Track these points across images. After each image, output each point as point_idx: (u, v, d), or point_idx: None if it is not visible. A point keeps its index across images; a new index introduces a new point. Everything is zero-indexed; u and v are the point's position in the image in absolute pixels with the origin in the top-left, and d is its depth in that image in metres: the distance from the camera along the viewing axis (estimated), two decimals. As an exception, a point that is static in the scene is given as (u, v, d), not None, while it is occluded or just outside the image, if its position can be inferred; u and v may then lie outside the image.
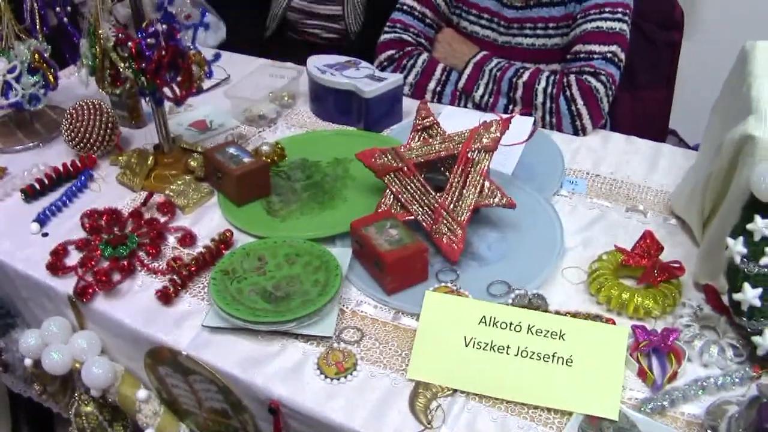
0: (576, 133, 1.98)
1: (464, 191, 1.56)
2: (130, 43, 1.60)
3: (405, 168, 1.60)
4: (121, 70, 1.62)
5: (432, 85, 2.10)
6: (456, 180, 1.57)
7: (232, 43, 2.63)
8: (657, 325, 1.42)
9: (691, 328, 1.41)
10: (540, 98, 1.97)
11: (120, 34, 1.62)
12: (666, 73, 2.63)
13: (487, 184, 1.56)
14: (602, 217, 1.69)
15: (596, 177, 1.84)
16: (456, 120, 1.81)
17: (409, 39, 2.17)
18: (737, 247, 1.34)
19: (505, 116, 1.61)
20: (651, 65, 2.58)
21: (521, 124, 1.83)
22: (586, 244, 1.61)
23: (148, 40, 1.60)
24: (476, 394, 1.30)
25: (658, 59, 2.58)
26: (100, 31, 1.62)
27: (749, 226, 1.34)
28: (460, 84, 2.06)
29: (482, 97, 2.04)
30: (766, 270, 1.33)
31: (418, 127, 1.66)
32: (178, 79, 1.68)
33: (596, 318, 1.43)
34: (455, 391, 1.31)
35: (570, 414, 1.27)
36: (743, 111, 1.47)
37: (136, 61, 1.61)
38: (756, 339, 1.33)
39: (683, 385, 1.33)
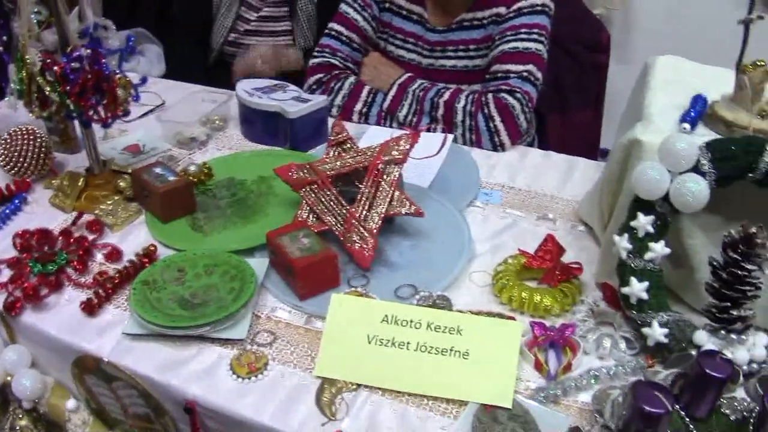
0: (495, 148, 2.06)
1: (375, 201, 1.63)
2: (55, 68, 1.67)
3: (319, 181, 1.67)
4: (47, 93, 1.69)
5: (358, 106, 2.18)
6: (367, 191, 1.64)
7: (174, 73, 2.70)
8: (557, 322, 1.48)
9: (587, 323, 1.48)
10: (460, 116, 2.06)
11: (46, 59, 1.69)
12: (594, 94, 2.72)
13: (396, 194, 1.63)
14: (513, 226, 1.77)
15: (511, 189, 1.92)
16: (380, 139, 1.87)
17: (337, 63, 2.25)
18: (623, 243, 1.41)
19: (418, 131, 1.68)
20: (580, 87, 2.67)
21: (440, 141, 1.91)
22: (496, 250, 1.68)
23: (73, 64, 1.67)
24: (379, 388, 1.37)
25: (586, 81, 2.67)
26: (27, 57, 1.69)
27: (633, 224, 1.41)
28: (385, 105, 2.15)
29: (406, 116, 2.12)
30: (650, 264, 1.41)
31: (333, 143, 1.74)
32: (104, 102, 1.74)
33: (498, 316, 1.49)
34: (359, 385, 1.37)
35: (466, 403, 1.33)
36: (637, 119, 1.56)
37: (61, 85, 1.68)
38: (645, 330, 1.40)
39: (577, 375, 1.39)
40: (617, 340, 1.45)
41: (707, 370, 1.24)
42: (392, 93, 2.14)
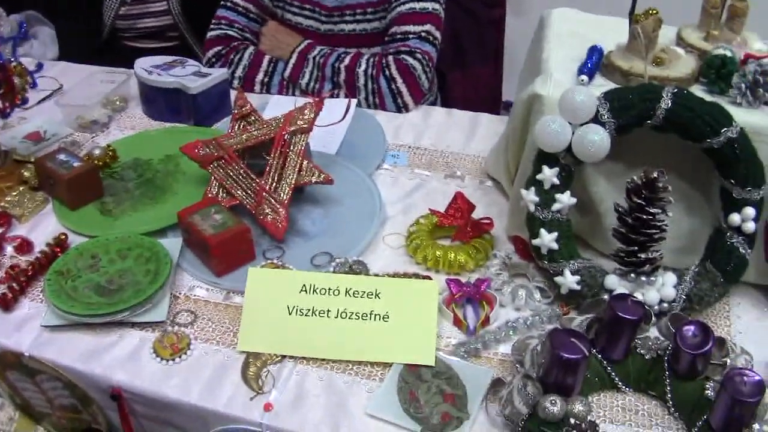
0: (399, 110, 2.08)
1: (284, 172, 1.63)
2: (-55, 59, 1.62)
3: (227, 156, 1.65)
4: (-61, 86, 1.64)
5: (260, 76, 2.16)
6: (275, 162, 1.63)
7: (69, 54, 2.62)
8: (472, 278, 1.51)
9: (501, 276, 1.51)
10: (362, 80, 2.06)
11: (-63, 53, 1.64)
12: (493, 49, 2.75)
13: (305, 163, 1.64)
14: (422, 186, 1.80)
15: (417, 149, 1.94)
16: (283, 108, 1.86)
17: (235, 34, 2.22)
18: (530, 196, 1.45)
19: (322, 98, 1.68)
20: (478, 42, 2.70)
21: (344, 106, 1.92)
22: (407, 211, 1.71)
23: (-35, 56, 1.62)
24: (303, 358, 1.38)
25: (484, 36, 2.70)
26: None
27: (538, 177, 1.44)
28: (287, 73, 2.13)
29: (308, 84, 2.11)
30: (558, 215, 1.45)
31: (237, 116, 1.73)
32: (1, 92, 1.70)
33: (414, 276, 1.51)
34: (284, 357, 1.38)
35: (390, 365, 1.35)
36: (536, 73, 1.59)
37: (-45, 78, 1.63)
38: (558, 279, 1.44)
39: (495, 328, 1.42)
40: (532, 291, 1.49)
41: (619, 313, 1.29)
42: (293, 61, 2.13)
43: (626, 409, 1.32)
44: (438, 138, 1.98)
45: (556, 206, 1.44)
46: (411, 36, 2.08)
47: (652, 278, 1.43)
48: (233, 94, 2.07)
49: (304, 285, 1.43)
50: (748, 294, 1.58)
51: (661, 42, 1.56)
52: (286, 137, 1.64)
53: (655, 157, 1.48)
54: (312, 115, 1.66)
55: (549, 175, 1.43)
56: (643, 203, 1.36)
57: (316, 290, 1.43)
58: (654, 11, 1.53)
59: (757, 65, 1.46)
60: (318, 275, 1.46)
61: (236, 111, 1.73)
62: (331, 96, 2.09)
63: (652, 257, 1.41)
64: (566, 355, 1.20)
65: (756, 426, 1.19)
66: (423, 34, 2.08)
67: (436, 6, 2.11)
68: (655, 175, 1.35)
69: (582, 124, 1.40)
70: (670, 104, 1.38)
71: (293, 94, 2.14)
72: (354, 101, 1.94)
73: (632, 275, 1.43)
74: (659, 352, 1.33)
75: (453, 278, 1.49)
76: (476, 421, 1.28)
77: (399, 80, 2.04)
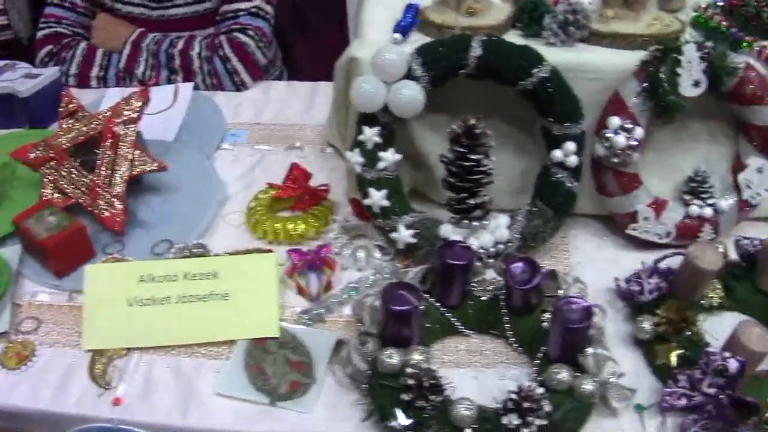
0: (237, 88, 2.07)
1: (116, 165, 1.61)
2: None
3: (57, 156, 1.62)
4: None
5: (95, 71, 2.12)
6: (106, 156, 1.61)
7: None
8: (315, 246, 1.52)
9: (340, 239, 1.53)
10: (196, 63, 2.04)
11: None
12: (336, 16, 2.74)
13: (137, 153, 1.62)
14: (262, 160, 1.80)
15: (257, 125, 1.94)
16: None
17: (65, 31, 2.17)
18: (355, 157, 1.47)
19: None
20: (321, 10, 2.69)
21: (181, 93, 1.91)
22: (248, 188, 1.71)
23: None
24: (149, 348, 1.38)
25: (326, 3, 2.69)
26: None
27: (360, 137, 1.46)
28: (122, 65, 2.10)
29: (144, 73, 2.08)
30: (385, 173, 1.47)
31: (64, 114, 1.69)
32: None
33: (256, 251, 1.52)
34: (129, 350, 1.37)
35: (235, 342, 1.35)
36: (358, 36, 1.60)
37: None
38: (393, 235, 1.47)
39: (338, 291, 1.44)
40: (371, 250, 1.51)
41: (448, 260, 1.32)
42: (126, 52, 2.10)
43: (471, 351, 1.36)
44: (278, 112, 1.98)
45: (381, 164, 1.46)
46: (241, 13, 2.07)
47: (485, 222, 1.47)
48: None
49: (142, 275, 1.42)
50: (587, 225, 1.64)
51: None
52: (114, 129, 1.62)
53: (478, 105, 1.51)
54: (139, 104, 1.64)
55: (370, 134, 1.45)
56: (465, 150, 1.39)
57: (155, 279, 1.42)
58: (462, -38, 1.55)
59: (567, 5, 1.49)
60: (154, 263, 1.45)
61: (63, 109, 1.69)
62: (168, 82, 2.06)
63: (480, 202, 1.44)
64: (396, 308, 1.23)
65: (589, 350, 1.23)
66: (253, 9, 2.07)
67: None
68: (473, 121, 1.38)
69: (395, 82, 1.42)
70: (480, 52, 1.41)
71: (131, 85, 2.11)
72: (185, 85, 1.94)
73: (465, 222, 1.46)
74: (495, 292, 1.37)
75: (294, 248, 1.50)
76: (324, 385, 1.30)
77: (234, 59, 2.02)
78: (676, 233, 1.54)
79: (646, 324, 1.34)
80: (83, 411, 1.29)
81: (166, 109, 1.72)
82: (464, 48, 1.41)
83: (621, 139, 1.43)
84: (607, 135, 1.44)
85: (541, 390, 1.18)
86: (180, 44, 2.06)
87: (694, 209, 1.54)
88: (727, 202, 1.54)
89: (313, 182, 1.63)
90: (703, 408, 1.20)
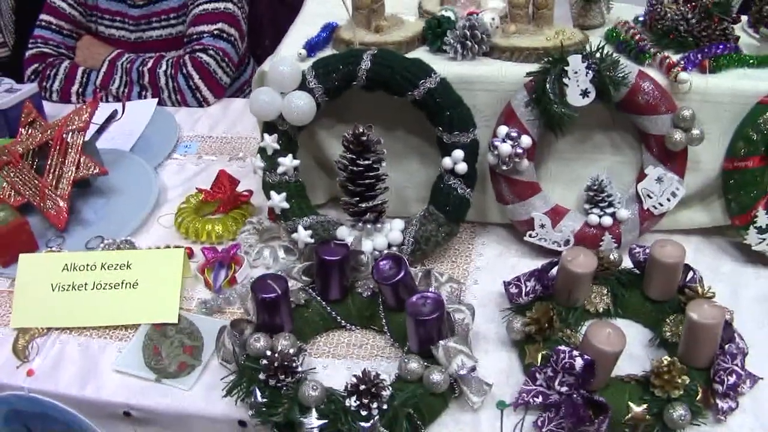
0: (200, 104, 2.24)
1: (64, 169, 1.77)
2: None
3: (13, 160, 1.80)
4: None
5: (75, 87, 2.31)
6: (54, 160, 1.77)
7: None
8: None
9: (250, 239, 1.64)
10: (162, 80, 2.22)
11: None
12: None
13: (83, 159, 1.78)
14: (206, 169, 1.95)
15: (209, 138, 2.11)
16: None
17: (50, 51, 2.37)
18: (257, 162, 1.59)
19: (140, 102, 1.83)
20: (276, 28, 2.80)
21: (146, 108, 2.08)
22: (186, 193, 1.85)
23: None
24: (66, 328, 1.52)
25: (284, 20, 2.81)
26: None
27: (261, 144, 1.59)
28: (98, 81, 2.28)
29: (118, 89, 2.26)
30: (285, 177, 1.59)
31: (24, 123, 1.87)
32: None
33: (175, 248, 1.65)
34: (50, 329, 1.52)
35: (139, 326, 1.49)
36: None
37: None
38: (293, 235, 1.58)
39: (239, 286, 1.56)
40: (276, 249, 1.62)
41: (324, 256, 1.42)
42: (103, 69, 2.28)
43: (351, 344, 1.46)
44: (232, 126, 2.14)
45: (281, 169, 1.58)
46: (205, 35, 2.24)
47: (379, 225, 1.57)
48: (49, 105, 2.22)
49: (66, 264, 1.57)
50: (494, 233, 1.74)
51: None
52: (63, 137, 1.78)
53: (383, 116, 1.62)
54: (86, 115, 1.80)
55: (269, 141, 1.57)
56: (354, 156, 1.50)
57: (76, 268, 1.56)
58: (376, -15, 1.67)
59: (466, 21, 1.60)
60: (78, 254, 1.60)
61: (23, 119, 1.87)
62: (139, 97, 2.23)
63: (373, 206, 1.54)
64: (263, 295, 1.34)
65: (441, 342, 1.31)
66: (216, 32, 2.23)
67: (229, 6, 2.27)
68: (362, 129, 1.48)
69: (289, 92, 1.54)
70: (369, 65, 1.53)
71: (107, 101, 2.28)
72: (152, 101, 2.11)
73: (360, 224, 1.56)
74: (375, 289, 1.46)
75: (208, 246, 1.63)
76: (208, 366, 1.42)
77: (195, 77, 2.19)
78: (575, 241, 1.60)
79: (517, 324, 1.40)
80: (1, 379, 1.44)
81: (130, 121, 1.89)
82: (355, 61, 1.53)
83: (507, 147, 1.51)
84: (495, 143, 1.53)
85: (384, 376, 1.26)
86: (149, 63, 2.24)
87: (593, 218, 1.61)
88: (627, 212, 1.60)
89: (244, 189, 1.75)
90: (557, 406, 1.26)
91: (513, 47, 1.60)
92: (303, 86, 1.54)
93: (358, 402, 1.23)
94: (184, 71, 2.20)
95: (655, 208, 1.61)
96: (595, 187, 1.61)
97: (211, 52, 2.21)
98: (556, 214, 1.62)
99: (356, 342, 1.47)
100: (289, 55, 1.63)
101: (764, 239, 1.60)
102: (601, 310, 1.47)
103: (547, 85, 1.50)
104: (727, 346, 1.30)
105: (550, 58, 1.52)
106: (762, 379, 1.34)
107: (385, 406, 1.23)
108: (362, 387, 1.23)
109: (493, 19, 1.62)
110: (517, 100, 1.54)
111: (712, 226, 1.70)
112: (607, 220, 1.60)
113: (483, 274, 1.62)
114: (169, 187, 1.89)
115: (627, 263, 1.52)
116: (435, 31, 1.63)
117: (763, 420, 1.28)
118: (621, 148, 1.66)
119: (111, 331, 1.51)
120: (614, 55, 1.54)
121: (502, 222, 1.72)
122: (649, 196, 1.60)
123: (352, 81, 1.54)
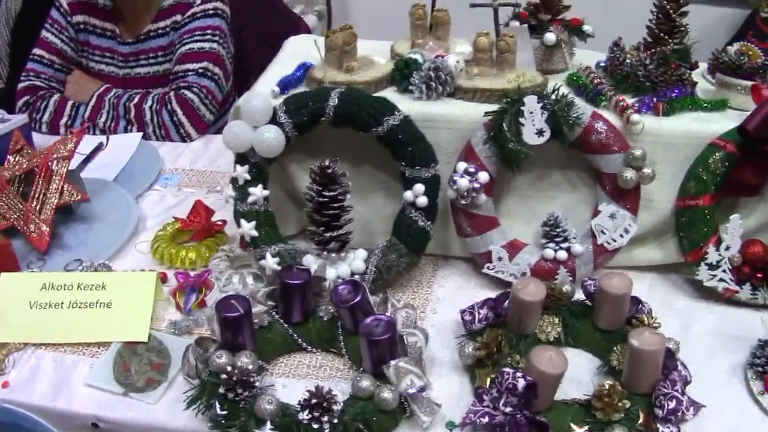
0: (183, 140, 2.35)
1: (47, 195, 1.86)
2: None
3: (0, 186, 1.88)
4: None
5: (63, 120, 2.41)
6: (39, 187, 1.86)
7: None
8: (203, 271, 1.73)
9: (221, 265, 1.72)
10: (148, 115, 2.32)
11: None
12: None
13: (66, 186, 1.86)
14: (185, 201, 2.04)
15: (191, 171, 2.21)
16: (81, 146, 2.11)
17: (41, 84, 2.48)
18: (229, 192, 1.68)
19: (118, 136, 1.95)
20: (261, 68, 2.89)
21: (130, 141, 2.18)
22: (164, 222, 1.93)
23: None
24: (42, 344, 1.60)
25: (270, 61, 2.90)
26: None
27: (233, 174, 1.67)
28: (86, 115, 2.38)
29: (105, 122, 2.36)
30: (255, 206, 1.68)
31: (12, 151, 1.96)
32: None
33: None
34: (26, 344, 1.59)
35: (111, 343, 1.56)
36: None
37: None
38: (262, 262, 1.66)
39: (208, 308, 1.63)
40: (245, 276, 1.70)
41: (286, 280, 1.50)
42: (92, 103, 2.38)
43: (311, 366, 1.54)
44: (212, 161, 2.25)
45: (251, 198, 1.66)
46: (190, 73, 2.34)
47: (343, 254, 1.65)
48: (38, 137, 2.32)
49: (44, 283, 1.65)
50: (457, 266, 1.82)
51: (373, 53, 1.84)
52: (48, 164, 1.87)
53: (351, 152, 1.71)
54: (71, 145, 1.89)
55: (241, 172, 1.66)
56: (321, 188, 1.58)
57: (54, 287, 1.64)
58: (348, 27, 1.77)
59: (431, 63, 1.70)
60: (55, 274, 1.69)
61: (12, 146, 1.96)
62: (126, 131, 2.33)
63: (337, 235, 1.62)
64: (226, 314, 1.42)
65: (392, 362, 1.38)
66: (201, 70, 2.34)
67: (215, 46, 2.38)
68: (327, 162, 1.57)
69: (261, 126, 1.63)
70: (337, 102, 1.62)
71: (93, 134, 2.38)
72: (137, 135, 2.21)
73: (325, 253, 1.64)
74: (335, 313, 1.54)
75: (182, 271, 1.71)
76: (174, 382, 1.49)
77: (179, 113, 2.29)
78: (531, 274, 1.68)
79: (469, 349, 1.48)
80: (-23, 390, 1.51)
81: (115, 153, 1.99)
82: (324, 98, 1.62)
83: (465, 182, 1.60)
84: (454, 178, 1.62)
85: (336, 393, 1.34)
86: (136, 99, 2.35)
87: (548, 252, 1.69)
88: (581, 247, 1.68)
89: (220, 219, 1.84)
90: (502, 426, 1.32)
91: (475, 88, 1.69)
92: (274, 121, 1.63)
93: (310, 416, 1.30)
94: (169, 107, 2.30)
95: (609, 243, 1.68)
96: (551, 223, 1.69)
97: (195, 89, 2.32)
98: (514, 248, 1.69)
99: (316, 363, 1.54)
100: (263, 92, 1.72)
101: (715, 275, 1.67)
102: (552, 339, 1.54)
103: (504, 124, 1.59)
104: (669, 373, 1.37)
105: (508, 99, 1.60)
106: (705, 407, 1.41)
107: (335, 421, 1.31)
108: (314, 401, 1.30)
109: (458, 62, 1.72)
110: (476, 137, 1.63)
111: (668, 263, 1.78)
112: (562, 255, 1.68)
113: (442, 304, 1.69)
114: (148, 216, 1.98)
115: (581, 296, 1.59)
116: (402, 72, 1.72)
117: (706, 447, 1.35)
118: (577, 186, 1.74)
119: (85, 348, 1.58)
120: (570, 97, 1.63)
121: (464, 255, 1.80)
122: (602, 231, 1.68)
123: (321, 117, 1.63)
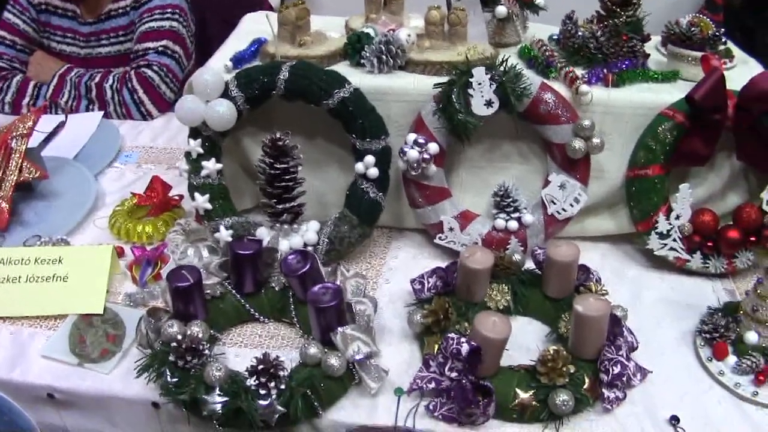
0: (144, 118, 2.37)
1: (7, 172, 1.87)
2: None
3: (-41, 165, 1.90)
4: None
5: (26, 100, 2.42)
6: (-2, 164, 1.89)
7: None
8: (160, 245, 1.76)
9: (177, 239, 1.74)
10: (109, 94, 2.33)
11: None
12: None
13: (26, 164, 1.88)
14: (144, 177, 2.06)
15: (151, 149, 2.23)
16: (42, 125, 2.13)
17: (3, 65, 2.49)
18: (182, 165, 1.70)
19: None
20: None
21: (91, 120, 2.20)
22: (123, 198, 1.95)
23: None
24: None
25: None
26: None
27: (186, 148, 1.70)
28: (48, 94, 2.40)
29: (67, 102, 2.37)
30: (208, 179, 1.70)
31: (-26, 131, 1.98)
32: None
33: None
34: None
35: (67, 316, 1.59)
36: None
37: None
38: (216, 235, 1.69)
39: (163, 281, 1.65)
40: (200, 249, 1.72)
41: (237, 251, 1.53)
42: (53, 83, 2.39)
43: (263, 336, 1.57)
44: (172, 138, 2.27)
45: (204, 172, 1.69)
46: (150, 51, 2.36)
47: (296, 226, 1.67)
48: (1, 117, 2.33)
49: (2, 258, 1.67)
50: (411, 238, 1.85)
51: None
52: (10, 142, 1.89)
53: (303, 126, 1.73)
54: (30, 123, 1.91)
55: (194, 145, 1.68)
56: (272, 160, 1.60)
57: (11, 261, 1.66)
58: (301, 2, 1.78)
59: (382, 37, 1.72)
60: (13, 249, 1.70)
61: (-28, 126, 1.98)
62: (88, 110, 2.35)
63: (290, 207, 1.65)
64: (176, 284, 1.44)
65: (340, 329, 1.40)
66: (160, 48, 2.36)
67: (175, 24, 2.40)
68: (279, 135, 1.59)
69: (212, 100, 1.65)
70: (287, 75, 1.64)
71: (57, 113, 2.39)
72: (97, 114, 2.22)
73: (278, 225, 1.66)
74: (287, 284, 1.56)
75: (138, 246, 1.73)
76: (129, 353, 1.51)
77: (140, 91, 2.31)
78: (482, 244, 1.70)
79: (417, 317, 1.50)
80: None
81: (76, 132, 2.02)
82: (275, 72, 1.64)
83: (414, 153, 1.63)
84: (404, 149, 1.64)
85: (284, 359, 1.36)
86: (97, 78, 2.36)
87: (499, 222, 1.72)
88: (532, 216, 1.71)
89: (176, 194, 1.86)
90: (448, 391, 1.35)
91: (426, 61, 1.72)
92: (226, 95, 1.65)
93: (257, 381, 1.32)
94: (129, 86, 2.32)
95: (559, 213, 1.71)
96: (501, 193, 1.72)
97: (155, 67, 2.33)
98: (465, 219, 1.72)
99: (268, 333, 1.57)
100: (216, 66, 1.74)
101: (666, 244, 1.71)
102: (501, 307, 1.57)
103: (453, 96, 1.62)
104: (615, 339, 1.40)
105: (458, 71, 1.63)
106: (651, 372, 1.45)
107: (282, 386, 1.33)
108: (261, 367, 1.33)
109: (409, 35, 1.74)
110: (426, 110, 1.66)
111: (620, 234, 1.82)
112: (513, 225, 1.71)
113: (395, 274, 1.72)
114: (107, 192, 2.00)
115: (532, 266, 1.63)
116: (354, 46, 1.74)
117: (652, 411, 1.39)
118: (528, 157, 1.77)
119: (42, 321, 1.60)
120: (519, 68, 1.65)
121: (417, 227, 1.83)
122: (552, 201, 1.71)
123: (272, 90, 1.65)
